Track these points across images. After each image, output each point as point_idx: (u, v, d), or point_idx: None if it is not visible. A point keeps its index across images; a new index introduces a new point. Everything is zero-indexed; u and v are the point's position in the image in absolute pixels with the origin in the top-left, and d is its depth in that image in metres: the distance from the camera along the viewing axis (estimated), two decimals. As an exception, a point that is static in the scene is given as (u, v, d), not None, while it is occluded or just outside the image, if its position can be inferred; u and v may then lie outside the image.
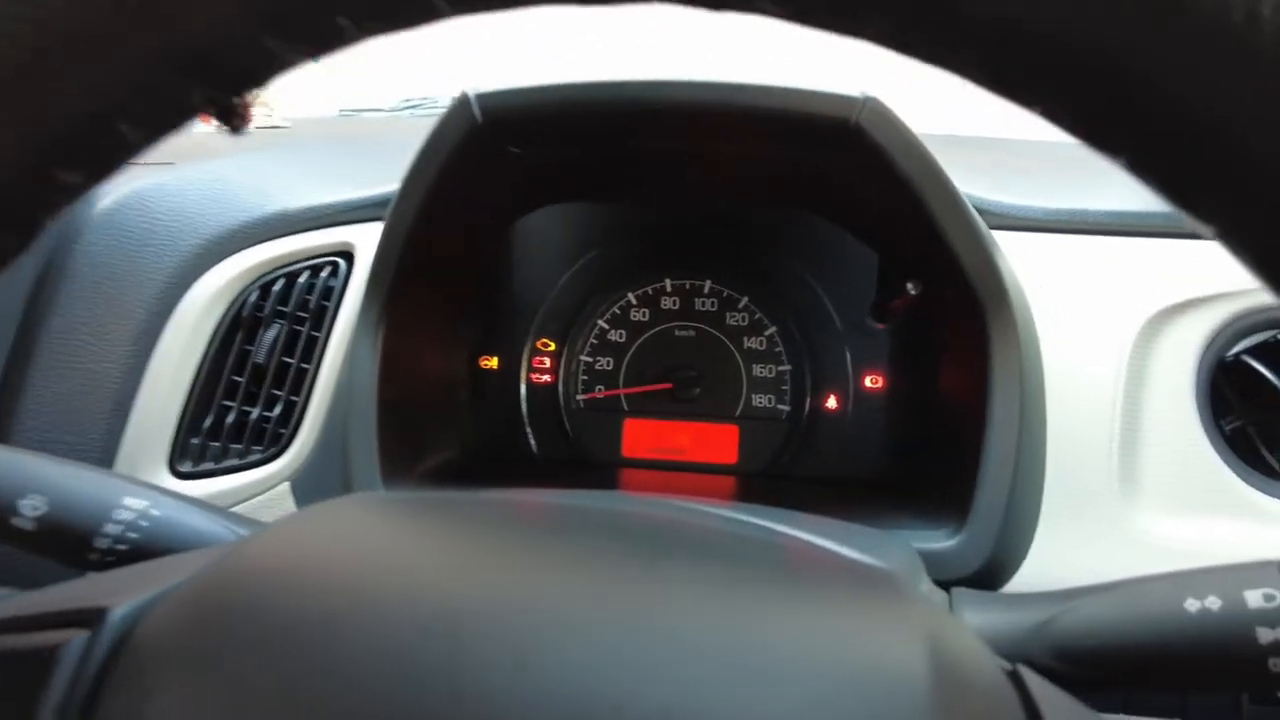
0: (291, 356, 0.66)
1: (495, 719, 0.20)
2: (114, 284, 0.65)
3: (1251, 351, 0.62)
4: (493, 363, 0.77)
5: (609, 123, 0.55)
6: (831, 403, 0.74)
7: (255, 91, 0.24)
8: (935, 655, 0.23)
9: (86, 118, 0.21)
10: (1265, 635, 0.31)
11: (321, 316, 0.67)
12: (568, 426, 0.77)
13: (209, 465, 0.65)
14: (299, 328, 0.67)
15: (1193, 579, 0.34)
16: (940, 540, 0.51)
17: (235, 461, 0.66)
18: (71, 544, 0.40)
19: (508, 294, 0.77)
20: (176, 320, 0.65)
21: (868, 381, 0.74)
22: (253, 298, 0.67)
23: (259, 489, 0.65)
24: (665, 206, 0.77)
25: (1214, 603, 0.32)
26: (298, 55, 0.21)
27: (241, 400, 0.66)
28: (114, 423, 0.64)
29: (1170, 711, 0.57)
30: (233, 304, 0.67)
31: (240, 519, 0.44)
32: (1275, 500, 0.60)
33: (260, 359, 0.66)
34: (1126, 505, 0.60)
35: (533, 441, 0.77)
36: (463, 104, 0.53)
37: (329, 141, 0.96)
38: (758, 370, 0.75)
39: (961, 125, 0.99)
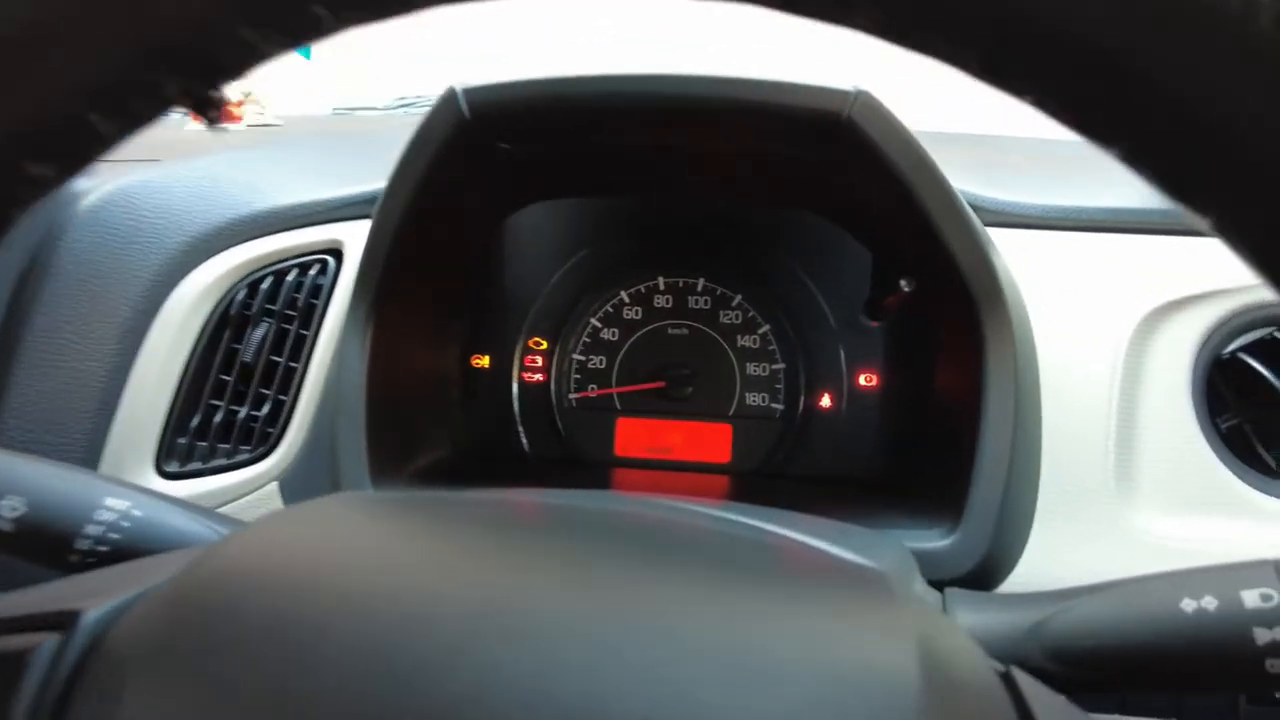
0: (280, 355, 0.66)
1: None
2: (99, 282, 0.65)
3: (1248, 349, 0.61)
4: (484, 361, 0.77)
5: (598, 117, 0.54)
6: (825, 401, 0.74)
7: (231, 83, 0.24)
8: (927, 657, 0.23)
9: (57, 109, 0.20)
10: (1262, 636, 0.31)
11: (310, 315, 0.66)
12: (560, 425, 0.76)
13: (196, 465, 0.65)
14: (287, 326, 0.66)
15: (1189, 579, 0.33)
16: (934, 540, 0.51)
17: (223, 461, 0.65)
18: (51, 546, 0.39)
19: (499, 292, 0.77)
20: (163, 318, 0.65)
21: (862, 380, 0.73)
22: (240, 296, 0.66)
23: (247, 489, 0.64)
24: (657, 203, 0.77)
25: (1210, 603, 0.32)
26: (274, 45, 0.21)
27: (229, 399, 0.65)
28: (99, 422, 0.63)
29: (1166, 712, 0.57)
30: (220, 302, 0.66)
31: (225, 519, 0.44)
32: (1271, 498, 0.60)
33: (248, 357, 0.65)
34: (1122, 504, 0.60)
35: (525, 441, 0.77)
36: (450, 99, 0.52)
37: (320, 139, 0.95)
38: (751, 369, 0.75)
39: (955, 123, 0.98)
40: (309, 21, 0.20)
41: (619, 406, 0.76)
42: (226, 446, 0.65)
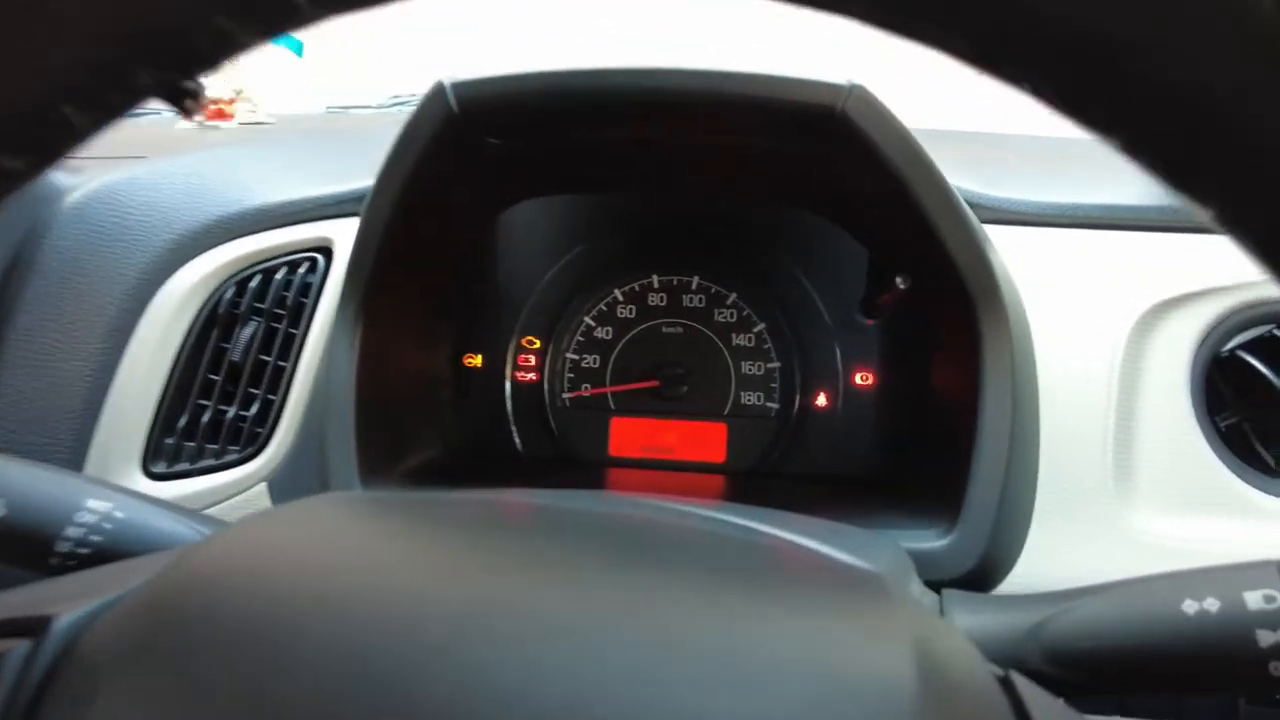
0: (269, 354, 0.65)
1: None
2: (84, 280, 0.64)
3: (1247, 346, 0.61)
4: (477, 360, 0.76)
5: (588, 112, 0.54)
6: (821, 400, 0.73)
7: (208, 73, 0.23)
8: (924, 660, 0.22)
9: (27, 100, 0.20)
10: (1266, 638, 0.30)
11: (299, 313, 0.66)
12: (553, 425, 0.76)
13: (184, 466, 0.64)
14: (276, 325, 0.66)
15: (1191, 580, 0.33)
16: (931, 540, 0.51)
17: (211, 462, 0.64)
18: (31, 548, 0.38)
19: (492, 290, 0.76)
20: (149, 317, 0.64)
21: (858, 378, 0.73)
22: (229, 294, 0.66)
23: (235, 490, 0.64)
24: (651, 201, 0.76)
25: (1213, 604, 0.32)
26: (251, 34, 0.20)
27: (217, 399, 0.65)
28: (84, 423, 0.62)
29: (1165, 713, 0.57)
30: (208, 301, 0.65)
31: (210, 521, 0.43)
32: (1271, 497, 0.60)
33: (237, 357, 0.65)
34: (1121, 504, 0.59)
35: (518, 441, 0.76)
36: (438, 94, 0.51)
37: (312, 137, 0.94)
38: (746, 367, 0.74)
39: (950, 121, 0.98)
40: (286, 10, 0.19)
41: (613, 406, 0.75)
42: (214, 447, 0.64)
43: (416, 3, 0.20)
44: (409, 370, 0.66)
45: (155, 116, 1.13)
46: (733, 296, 0.75)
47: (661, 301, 0.75)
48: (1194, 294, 0.62)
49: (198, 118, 1.10)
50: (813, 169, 0.60)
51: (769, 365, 0.74)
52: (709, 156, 0.63)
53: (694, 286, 0.75)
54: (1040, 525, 0.56)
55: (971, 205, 0.55)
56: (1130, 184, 0.69)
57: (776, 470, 0.73)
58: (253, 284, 0.66)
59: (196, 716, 0.20)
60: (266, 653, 0.21)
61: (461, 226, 0.69)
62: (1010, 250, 0.60)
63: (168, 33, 0.19)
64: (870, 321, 0.72)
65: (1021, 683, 0.26)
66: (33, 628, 0.24)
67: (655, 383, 0.74)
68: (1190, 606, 0.32)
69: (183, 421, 0.64)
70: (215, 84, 1.15)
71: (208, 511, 0.62)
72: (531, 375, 0.76)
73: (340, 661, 0.20)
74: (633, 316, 0.75)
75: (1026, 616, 0.35)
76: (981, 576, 0.50)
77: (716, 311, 0.75)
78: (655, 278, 0.75)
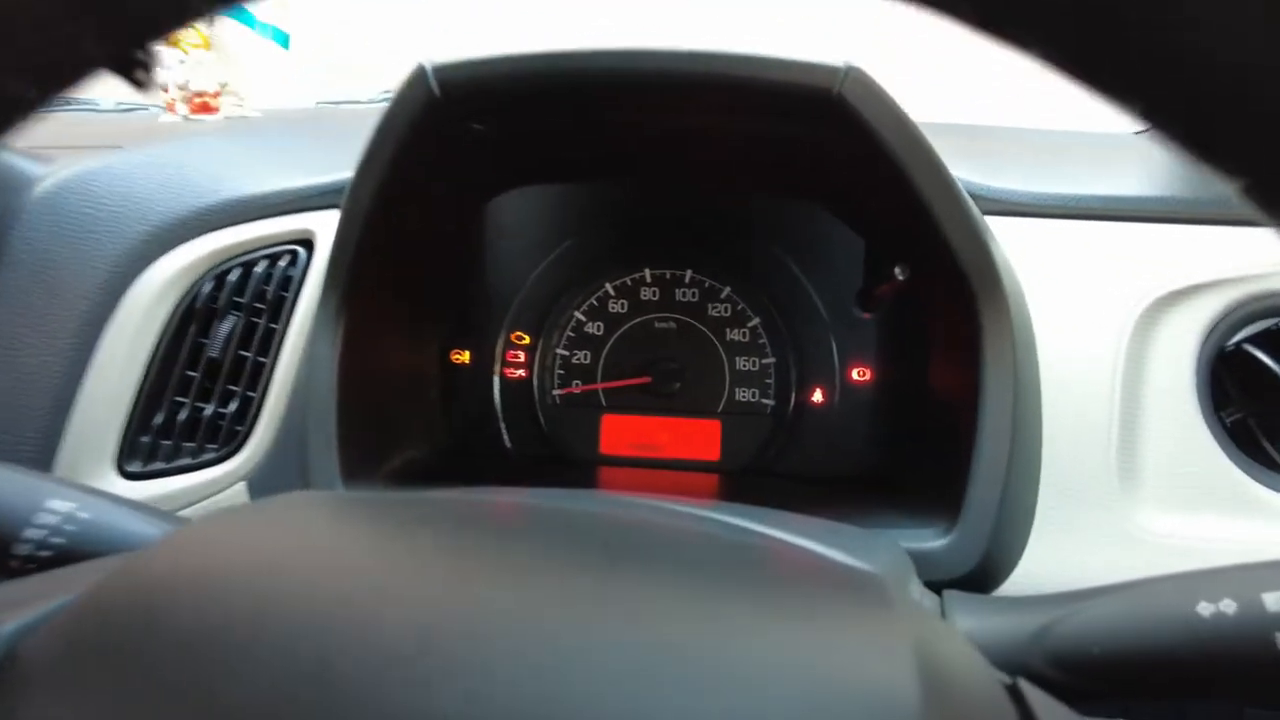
0: (248, 350, 0.63)
1: None
2: (55, 272, 0.62)
3: (1253, 340, 0.60)
4: (464, 357, 0.74)
5: (576, 95, 0.52)
6: (817, 396, 0.72)
7: (159, 42, 0.22)
8: (926, 666, 0.21)
9: None
10: (1287, 642, 0.29)
11: (280, 308, 0.64)
12: (543, 423, 0.74)
13: (160, 465, 0.62)
14: (256, 320, 0.64)
15: (1205, 580, 0.31)
16: (931, 539, 0.49)
17: (188, 461, 0.62)
18: None
19: (480, 284, 0.74)
20: (124, 311, 0.62)
21: (855, 374, 0.71)
22: (207, 288, 0.64)
23: (213, 489, 0.62)
24: (642, 193, 0.74)
25: (1229, 606, 0.30)
26: (206, 2, 0.19)
27: (195, 396, 0.63)
28: (53, 420, 0.60)
29: (1168, 716, 0.56)
30: (185, 294, 0.63)
31: (181, 521, 0.41)
32: (1278, 494, 0.58)
33: (215, 352, 0.63)
34: (1125, 501, 0.58)
35: (507, 439, 0.74)
36: (419, 77, 0.50)
37: (294, 127, 0.92)
38: (741, 363, 0.73)
39: (950, 116, 0.97)
40: None
41: (604, 403, 0.74)
42: (192, 445, 0.63)
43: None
44: (394, 366, 0.65)
45: (141, 111, 1.11)
46: (727, 291, 0.73)
47: (654, 296, 0.74)
48: (1199, 286, 0.61)
49: (181, 110, 1.08)
50: (808, 155, 0.59)
51: (764, 361, 0.73)
52: (701, 143, 0.61)
53: (687, 280, 0.74)
54: (1043, 524, 0.55)
55: (972, 196, 0.53)
56: (1133, 175, 0.67)
57: (771, 468, 0.72)
58: (231, 277, 0.64)
59: None
60: (211, 660, 0.20)
61: (447, 217, 0.67)
62: (1011, 242, 0.59)
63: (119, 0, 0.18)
64: (867, 315, 0.71)
65: (1030, 690, 0.25)
66: None
67: (647, 379, 0.73)
68: (1205, 609, 0.30)
69: (159, 419, 0.62)
70: (200, 78, 1.14)
71: (184, 512, 0.61)
72: (521, 372, 0.74)
73: (288, 670, 0.19)
74: (624, 311, 0.74)
75: (1031, 619, 0.34)
76: (983, 577, 0.49)
77: (710, 306, 0.73)
78: (647, 272, 0.74)
